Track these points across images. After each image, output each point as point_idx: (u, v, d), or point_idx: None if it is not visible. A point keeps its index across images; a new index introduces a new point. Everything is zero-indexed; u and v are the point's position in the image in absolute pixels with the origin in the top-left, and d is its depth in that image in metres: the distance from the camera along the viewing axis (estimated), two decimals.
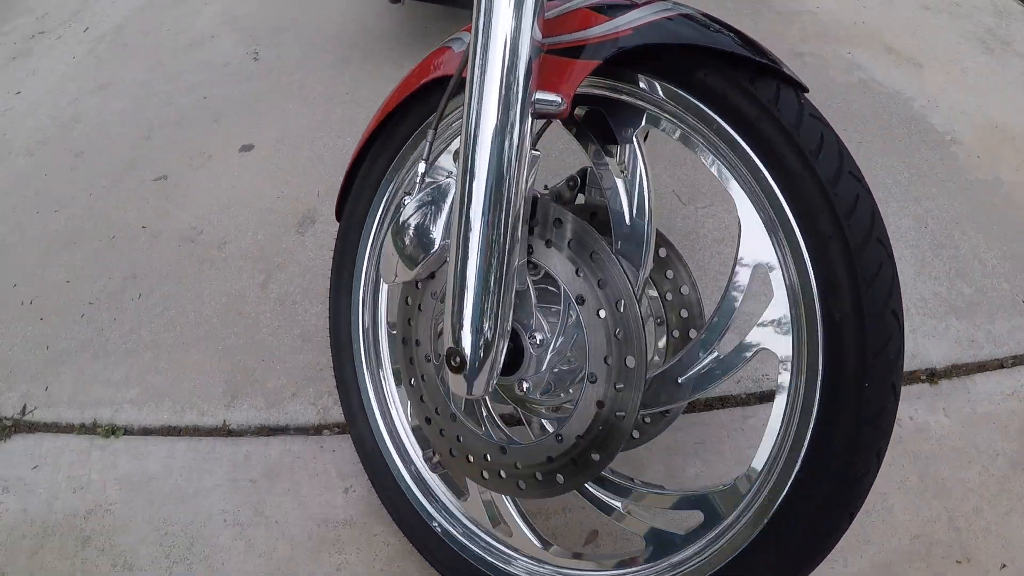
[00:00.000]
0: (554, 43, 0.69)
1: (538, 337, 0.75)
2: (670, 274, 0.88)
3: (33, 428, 1.19)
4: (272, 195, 1.50)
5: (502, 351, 0.69)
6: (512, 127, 0.64)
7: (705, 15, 0.70)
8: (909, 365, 1.10)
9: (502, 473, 0.78)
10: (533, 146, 0.68)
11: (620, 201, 0.76)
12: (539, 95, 0.65)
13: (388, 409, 0.97)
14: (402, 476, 0.94)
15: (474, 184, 0.64)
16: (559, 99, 0.66)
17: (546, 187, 0.90)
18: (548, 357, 0.75)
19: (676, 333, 0.88)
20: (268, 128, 1.67)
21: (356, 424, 0.98)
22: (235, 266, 1.37)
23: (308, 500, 1.05)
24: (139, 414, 1.18)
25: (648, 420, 0.84)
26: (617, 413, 0.69)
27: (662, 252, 0.87)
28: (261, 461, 1.10)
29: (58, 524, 1.07)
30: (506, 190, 0.64)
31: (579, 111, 0.78)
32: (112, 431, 1.16)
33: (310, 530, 1.02)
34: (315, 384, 1.17)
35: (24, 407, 1.22)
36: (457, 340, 0.67)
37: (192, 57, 1.98)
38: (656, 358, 0.88)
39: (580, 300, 0.70)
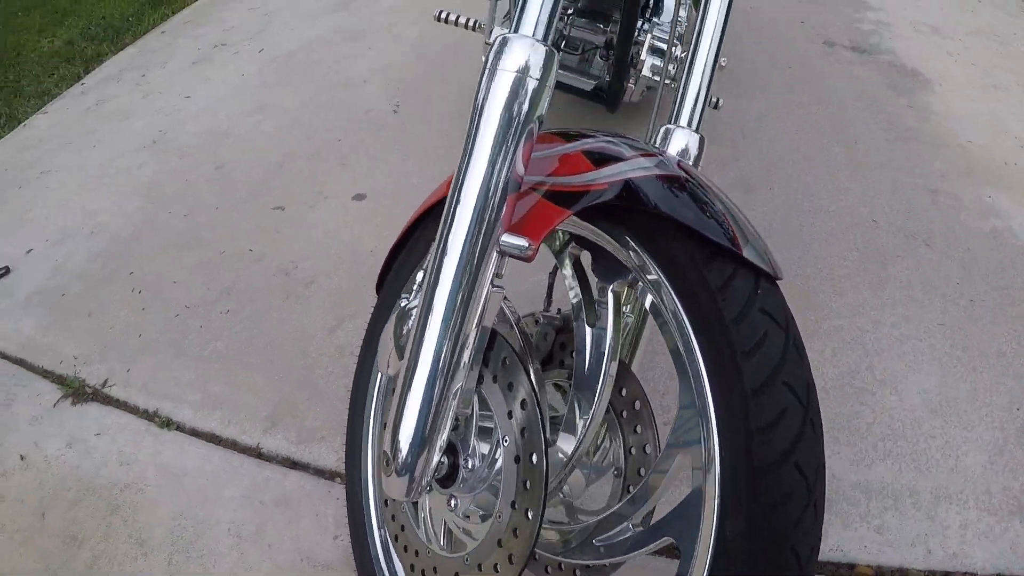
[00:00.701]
0: (539, 183, 0.70)
1: (470, 462, 0.77)
2: (639, 428, 0.86)
3: (107, 401, 1.39)
4: (367, 248, 1.67)
5: (431, 462, 0.71)
6: (475, 261, 0.65)
7: (690, 175, 0.69)
8: (947, 564, 1.01)
9: (424, 572, 0.84)
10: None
11: (585, 349, 0.79)
12: (506, 237, 0.66)
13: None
14: (374, 539, 1.01)
15: (434, 303, 0.67)
16: (525, 244, 0.66)
17: (535, 315, 0.95)
18: (474, 484, 0.77)
19: (631, 488, 0.86)
20: (384, 181, 1.87)
21: (351, 479, 1.08)
22: (314, 306, 1.54)
23: (302, 535, 1.17)
24: (193, 416, 1.35)
25: (579, 573, 0.83)
26: (511, 555, 0.71)
27: (636, 405, 0.86)
28: (276, 488, 1.24)
29: (98, 488, 1.25)
30: (460, 320, 0.67)
31: (574, 249, 0.81)
32: (167, 423, 1.34)
33: (295, 562, 1.13)
34: (343, 436, 1.30)
35: (106, 380, 1.43)
36: (393, 441, 0.71)
37: (341, 97, 2.22)
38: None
39: (502, 441, 0.73)
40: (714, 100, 1.50)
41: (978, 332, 1.33)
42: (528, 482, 0.70)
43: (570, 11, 1.66)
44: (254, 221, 1.78)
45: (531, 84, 0.64)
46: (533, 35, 0.66)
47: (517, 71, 0.63)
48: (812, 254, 1.49)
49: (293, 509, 1.21)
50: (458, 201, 0.65)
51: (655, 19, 1.66)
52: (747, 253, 0.63)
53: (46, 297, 1.64)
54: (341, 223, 1.76)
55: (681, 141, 0.85)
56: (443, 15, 1.72)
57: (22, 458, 1.31)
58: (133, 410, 1.37)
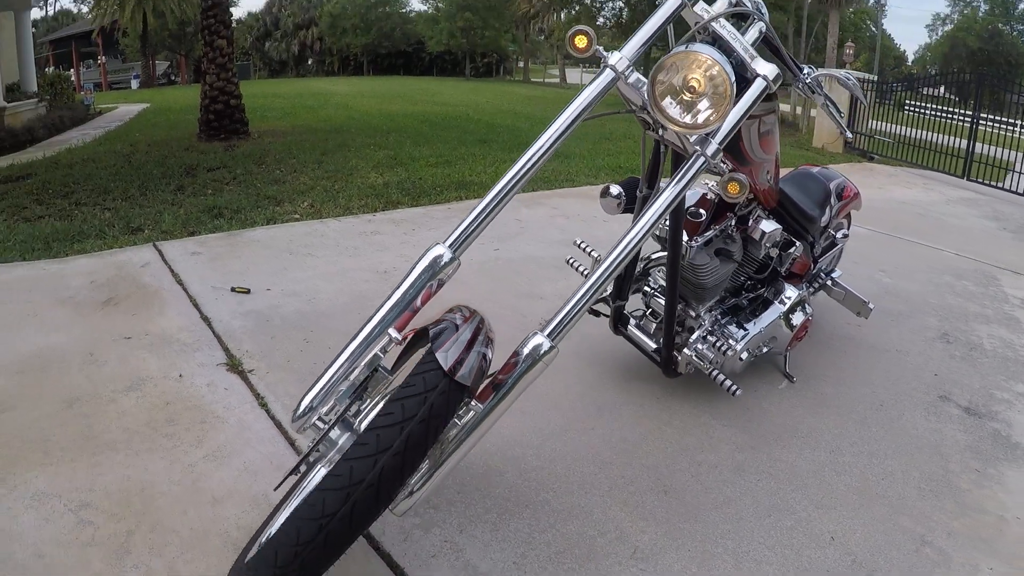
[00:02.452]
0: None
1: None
2: None
3: (244, 378, 2.09)
4: None
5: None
6: None
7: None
8: None
9: None
10: None
11: None
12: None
13: None
14: None
15: None
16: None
17: None
18: None
19: None
20: None
21: None
22: None
23: None
24: (280, 409, 1.94)
25: None
26: None
27: None
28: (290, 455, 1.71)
29: (199, 401, 1.85)
30: None
31: None
32: (263, 403, 1.95)
33: None
34: None
35: (253, 369, 2.12)
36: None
37: (509, 302, 2.93)
38: None
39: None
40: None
41: None
42: None
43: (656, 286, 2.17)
44: None
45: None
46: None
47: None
48: None
49: None
50: None
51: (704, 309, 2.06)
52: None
53: (257, 316, 2.48)
54: None
55: (533, 342, 1.23)
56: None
57: (180, 376, 2.01)
58: (252, 390, 2.02)
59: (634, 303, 2.15)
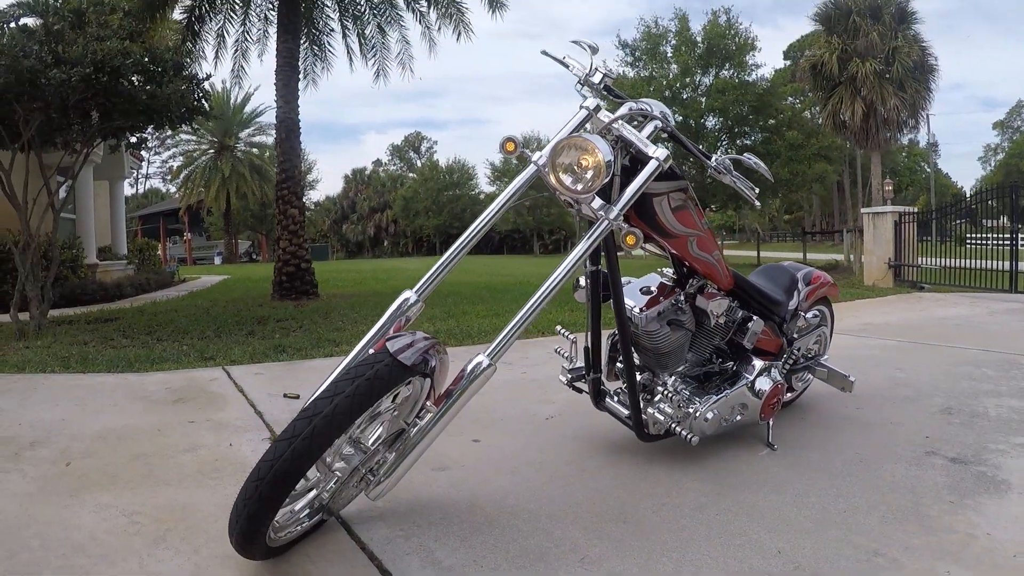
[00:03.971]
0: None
1: None
2: None
3: None
4: None
5: None
6: None
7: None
8: None
9: None
10: None
11: None
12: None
13: None
14: None
15: None
16: None
17: None
18: None
19: None
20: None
21: None
22: None
23: None
24: None
25: None
26: None
27: None
28: None
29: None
30: None
31: None
32: None
33: None
34: None
35: None
36: None
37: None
38: None
39: None
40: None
41: None
42: None
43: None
44: None
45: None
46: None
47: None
48: None
49: None
50: None
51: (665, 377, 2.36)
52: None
53: None
54: None
55: (475, 361, 1.66)
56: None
57: (230, 444, 2.44)
58: None
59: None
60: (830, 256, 16.74)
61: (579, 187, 1.76)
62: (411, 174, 47.50)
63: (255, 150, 31.10)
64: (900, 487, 2.14)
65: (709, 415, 2.29)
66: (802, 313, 2.74)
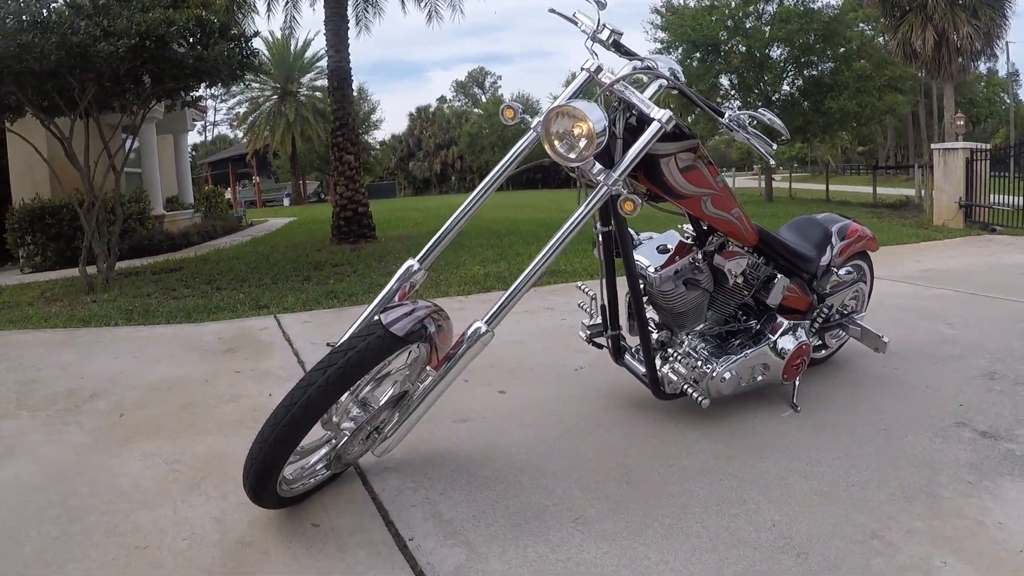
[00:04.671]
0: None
1: None
2: None
3: None
4: None
5: None
6: None
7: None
8: None
9: None
10: None
11: None
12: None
13: None
14: None
15: None
16: None
17: None
18: None
19: None
20: None
21: None
22: None
23: None
24: None
25: None
26: None
27: None
28: None
29: None
30: None
31: None
32: None
33: None
34: None
35: None
36: None
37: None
38: None
39: None
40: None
41: None
42: None
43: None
44: None
45: None
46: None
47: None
48: None
49: None
50: None
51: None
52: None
53: None
54: None
55: (473, 327, 1.74)
56: None
57: (270, 395, 2.63)
58: None
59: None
60: (901, 191, 15.74)
61: (572, 155, 1.76)
62: (476, 110, 47.10)
63: (318, 94, 31.47)
64: (918, 461, 2.07)
65: (727, 375, 2.29)
66: (835, 269, 2.66)
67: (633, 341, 2.49)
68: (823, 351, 2.91)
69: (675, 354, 2.33)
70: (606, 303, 2.36)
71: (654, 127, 1.82)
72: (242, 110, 33.60)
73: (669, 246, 2.32)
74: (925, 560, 1.60)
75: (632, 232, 2.33)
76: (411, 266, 1.91)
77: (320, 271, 6.24)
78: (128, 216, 8.03)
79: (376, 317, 1.76)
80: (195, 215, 12.24)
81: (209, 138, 46.17)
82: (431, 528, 1.77)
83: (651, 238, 2.39)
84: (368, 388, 1.84)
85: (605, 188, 1.80)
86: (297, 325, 4.00)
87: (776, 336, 2.44)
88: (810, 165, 40.68)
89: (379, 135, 45.57)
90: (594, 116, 1.70)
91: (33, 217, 7.81)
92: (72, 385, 2.90)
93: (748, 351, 2.37)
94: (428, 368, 1.78)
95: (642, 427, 2.39)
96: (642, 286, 2.29)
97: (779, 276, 2.43)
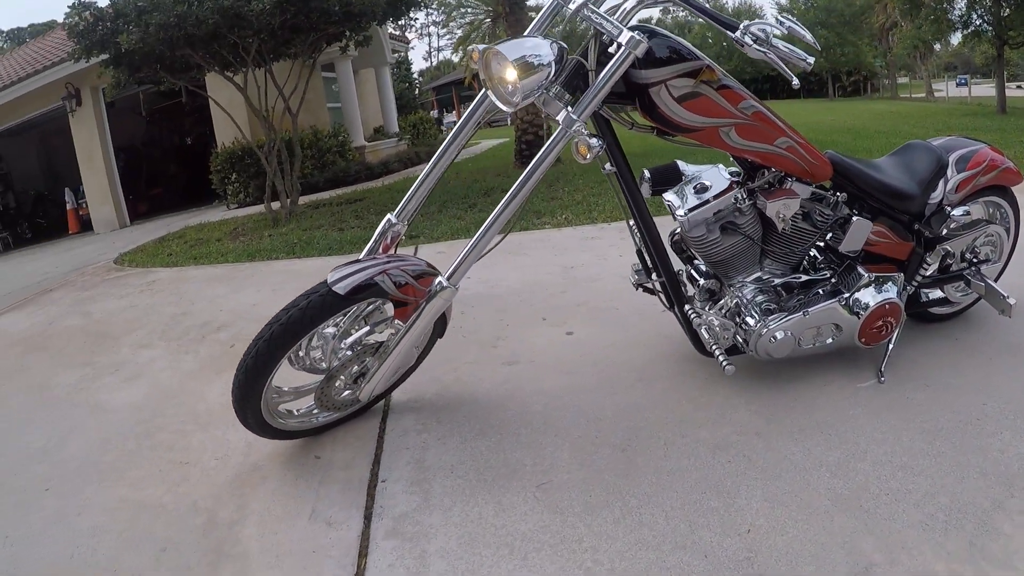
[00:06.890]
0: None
1: None
2: None
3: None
4: None
5: None
6: None
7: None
8: None
9: None
10: None
11: None
12: None
13: None
14: None
15: None
16: None
17: None
18: None
19: None
20: None
21: None
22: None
23: None
24: None
25: None
26: None
27: None
28: None
29: None
30: None
31: None
32: None
33: None
34: None
35: None
36: None
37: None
38: None
39: None
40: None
41: None
42: None
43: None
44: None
45: None
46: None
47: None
48: None
49: None
50: None
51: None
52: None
53: None
54: None
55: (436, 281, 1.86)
56: None
57: None
58: None
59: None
60: None
61: (516, 99, 1.69)
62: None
63: (532, 14, 31.51)
64: (993, 474, 1.66)
65: (779, 334, 2.04)
66: (949, 208, 2.18)
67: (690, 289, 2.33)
68: (945, 308, 2.44)
69: (717, 307, 2.14)
70: (641, 247, 2.23)
71: (621, 53, 1.65)
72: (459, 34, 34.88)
73: (707, 184, 2.09)
74: None
75: (682, 165, 2.15)
76: (389, 220, 2.03)
77: (488, 198, 6.53)
78: (326, 150, 9.07)
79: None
80: (399, 143, 13.32)
81: (434, 63, 48.69)
82: (407, 472, 1.93)
83: (694, 175, 2.17)
84: (357, 334, 2.02)
85: (567, 132, 1.71)
86: (430, 256, 4.31)
87: (851, 291, 2.11)
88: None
89: None
90: (521, 60, 1.61)
91: (233, 159, 9.23)
92: (209, 318, 3.53)
93: (811, 308, 2.09)
94: (395, 321, 1.91)
95: (684, 386, 2.26)
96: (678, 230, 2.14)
97: (855, 218, 2.07)
